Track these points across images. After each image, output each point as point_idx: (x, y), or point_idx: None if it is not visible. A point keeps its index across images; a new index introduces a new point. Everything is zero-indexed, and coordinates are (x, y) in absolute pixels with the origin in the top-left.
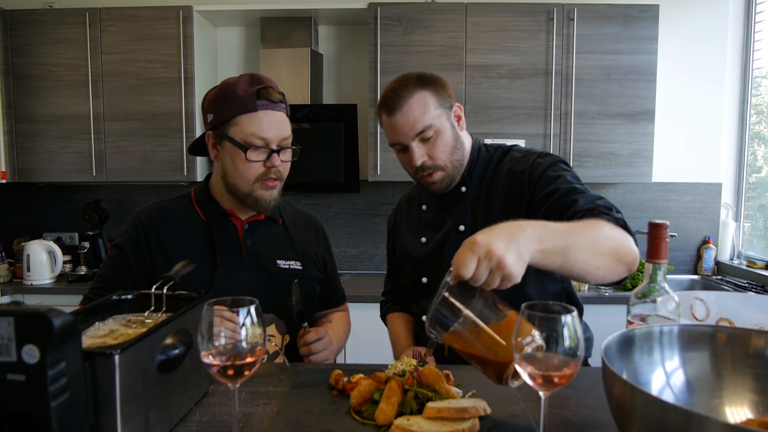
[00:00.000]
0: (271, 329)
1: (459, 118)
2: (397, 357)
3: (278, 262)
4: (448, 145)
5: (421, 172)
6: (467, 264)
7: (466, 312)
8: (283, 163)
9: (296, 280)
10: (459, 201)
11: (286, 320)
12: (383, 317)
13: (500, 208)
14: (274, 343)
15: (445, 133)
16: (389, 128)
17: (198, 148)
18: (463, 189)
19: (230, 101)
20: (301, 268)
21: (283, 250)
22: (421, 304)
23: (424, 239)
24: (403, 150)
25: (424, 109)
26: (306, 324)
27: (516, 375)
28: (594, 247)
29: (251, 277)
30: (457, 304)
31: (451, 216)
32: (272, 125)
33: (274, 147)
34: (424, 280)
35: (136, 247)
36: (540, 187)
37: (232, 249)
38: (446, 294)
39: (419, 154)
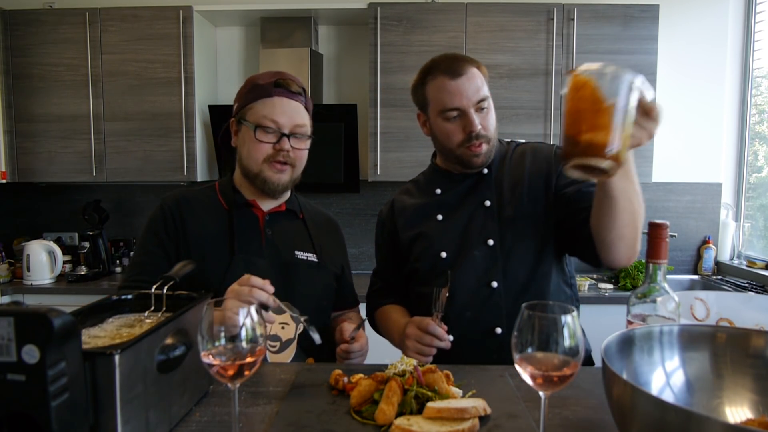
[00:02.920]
0: (286, 317)
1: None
2: (398, 342)
3: (296, 252)
4: (494, 121)
5: (472, 140)
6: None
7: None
8: (295, 149)
9: (365, 318)
10: (482, 181)
11: (301, 309)
12: (371, 314)
13: (525, 184)
14: (285, 328)
15: (492, 110)
16: (450, 92)
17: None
18: (485, 171)
19: (252, 90)
20: (317, 260)
21: (301, 242)
22: (433, 284)
23: (440, 217)
24: (457, 117)
25: (483, 82)
26: (355, 332)
27: (580, 168)
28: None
29: (268, 265)
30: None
31: (474, 194)
32: (285, 110)
33: (285, 131)
34: (444, 254)
35: (165, 226)
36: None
37: (252, 237)
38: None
39: (478, 119)
